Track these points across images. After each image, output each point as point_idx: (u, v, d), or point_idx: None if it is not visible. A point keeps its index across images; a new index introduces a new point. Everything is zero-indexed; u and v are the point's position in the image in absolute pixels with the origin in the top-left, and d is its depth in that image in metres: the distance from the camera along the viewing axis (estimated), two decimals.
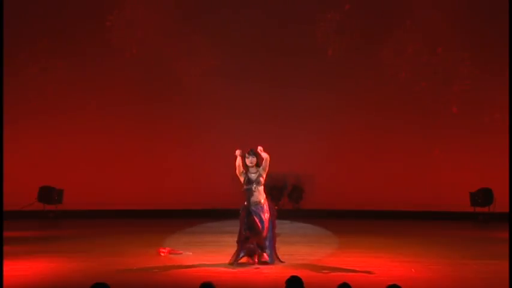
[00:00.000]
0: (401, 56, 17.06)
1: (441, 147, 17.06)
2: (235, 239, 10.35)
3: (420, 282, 8.90)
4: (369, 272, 9.51)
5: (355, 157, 17.03)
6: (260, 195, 10.29)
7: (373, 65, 17.04)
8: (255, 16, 17.32)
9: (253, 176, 10.30)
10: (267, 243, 10.25)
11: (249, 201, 10.27)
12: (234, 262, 10.17)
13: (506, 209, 13.59)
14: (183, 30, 17.31)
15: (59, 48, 17.29)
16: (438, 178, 16.86)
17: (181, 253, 11.16)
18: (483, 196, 16.34)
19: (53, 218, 16.54)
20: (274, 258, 10.31)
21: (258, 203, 10.27)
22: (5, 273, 8.06)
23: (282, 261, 10.32)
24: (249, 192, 10.28)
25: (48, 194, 16.79)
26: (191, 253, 11.22)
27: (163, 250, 11.14)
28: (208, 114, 17.33)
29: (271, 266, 10.03)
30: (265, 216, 10.26)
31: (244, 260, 10.25)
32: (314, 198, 16.34)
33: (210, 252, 11.24)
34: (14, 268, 9.58)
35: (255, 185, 10.27)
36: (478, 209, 16.42)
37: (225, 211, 16.50)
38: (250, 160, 10.30)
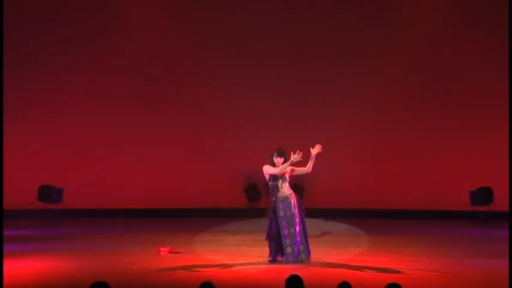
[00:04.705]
0: (400, 56, 17.03)
1: (441, 146, 17.04)
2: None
3: (420, 282, 8.89)
4: (369, 271, 9.51)
5: (355, 157, 16.98)
6: (287, 190, 10.24)
7: (373, 66, 17.03)
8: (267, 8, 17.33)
9: None
10: (288, 241, 10.08)
11: (276, 197, 10.21)
12: (273, 259, 10.11)
13: (506, 208, 13.57)
14: (187, 24, 17.29)
15: (58, 48, 17.27)
16: (438, 177, 16.85)
17: (181, 252, 11.16)
18: (483, 195, 16.31)
19: (53, 217, 16.53)
20: (307, 252, 10.20)
21: (286, 197, 10.21)
22: (5, 272, 8.05)
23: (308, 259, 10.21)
24: (276, 188, 10.23)
25: (48, 193, 16.77)
26: (191, 252, 11.22)
27: (163, 249, 11.13)
28: (210, 113, 17.31)
29: (271, 265, 9.99)
30: (293, 211, 10.15)
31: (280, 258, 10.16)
32: (314, 198, 16.31)
33: (210, 252, 11.25)
34: (14, 267, 9.57)
35: (281, 181, 10.22)
36: (478, 208, 16.39)
37: (226, 210, 16.53)
38: (278, 161, 10.26)
